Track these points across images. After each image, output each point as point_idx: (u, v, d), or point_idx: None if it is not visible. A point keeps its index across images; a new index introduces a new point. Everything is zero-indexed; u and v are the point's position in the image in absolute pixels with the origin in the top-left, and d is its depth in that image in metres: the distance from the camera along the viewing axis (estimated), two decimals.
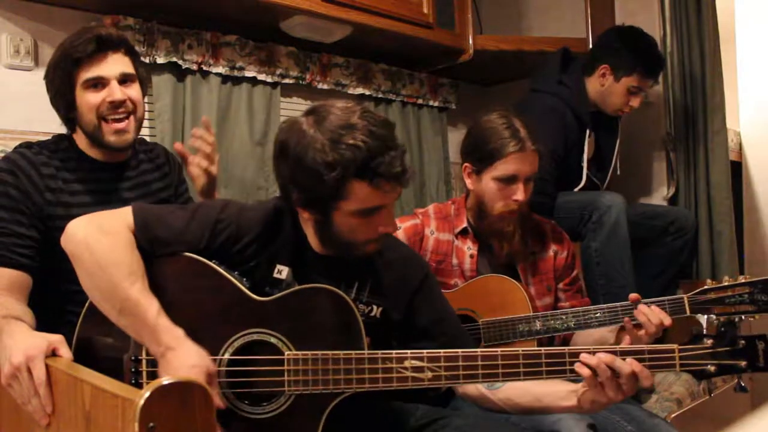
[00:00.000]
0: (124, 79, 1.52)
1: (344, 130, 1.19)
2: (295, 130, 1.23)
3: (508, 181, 1.73)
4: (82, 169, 1.54)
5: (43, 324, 1.33)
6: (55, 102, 1.54)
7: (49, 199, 1.46)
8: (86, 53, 1.47)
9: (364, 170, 1.19)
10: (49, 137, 1.59)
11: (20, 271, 1.39)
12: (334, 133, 1.19)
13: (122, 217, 1.26)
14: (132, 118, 1.53)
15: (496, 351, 1.20)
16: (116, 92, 1.49)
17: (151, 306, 1.16)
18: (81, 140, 1.56)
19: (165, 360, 1.13)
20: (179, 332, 1.15)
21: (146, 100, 1.66)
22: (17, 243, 1.40)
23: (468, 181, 1.82)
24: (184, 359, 1.12)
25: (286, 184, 1.27)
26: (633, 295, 1.61)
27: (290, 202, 1.29)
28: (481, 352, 1.21)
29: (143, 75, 1.60)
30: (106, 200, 1.53)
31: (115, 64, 1.51)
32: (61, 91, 1.50)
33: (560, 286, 1.87)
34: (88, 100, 1.49)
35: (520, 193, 1.72)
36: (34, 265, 1.41)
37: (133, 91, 1.54)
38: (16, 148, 1.52)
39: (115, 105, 1.50)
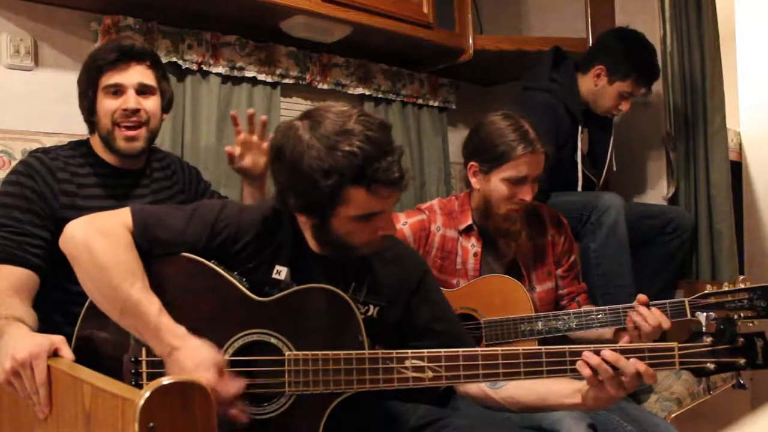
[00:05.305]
0: (142, 90, 1.57)
1: (340, 136, 1.17)
2: (291, 136, 1.21)
3: (518, 182, 1.73)
4: (98, 173, 1.58)
5: (48, 324, 1.33)
6: (80, 104, 1.60)
7: (64, 202, 1.49)
8: (108, 61, 1.53)
9: (360, 177, 1.17)
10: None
11: (29, 271, 1.40)
12: (330, 140, 1.17)
13: (120, 218, 1.26)
14: (144, 129, 1.57)
15: (497, 350, 1.20)
16: (130, 101, 1.54)
17: (151, 306, 1.15)
18: (98, 145, 1.60)
19: (171, 360, 1.13)
20: (182, 330, 1.15)
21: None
22: (30, 242, 1.42)
23: (473, 180, 1.81)
24: (190, 358, 1.11)
25: (283, 189, 1.26)
26: (642, 297, 1.61)
27: (287, 207, 1.28)
28: (482, 351, 1.21)
29: (166, 89, 1.64)
30: (121, 205, 1.52)
31: (136, 75, 1.55)
32: (85, 93, 1.57)
33: (559, 272, 1.89)
34: (106, 105, 1.55)
35: (527, 194, 1.74)
36: (43, 266, 1.43)
37: (150, 103, 1.58)
38: (33, 152, 1.56)
39: (128, 114, 1.54)
